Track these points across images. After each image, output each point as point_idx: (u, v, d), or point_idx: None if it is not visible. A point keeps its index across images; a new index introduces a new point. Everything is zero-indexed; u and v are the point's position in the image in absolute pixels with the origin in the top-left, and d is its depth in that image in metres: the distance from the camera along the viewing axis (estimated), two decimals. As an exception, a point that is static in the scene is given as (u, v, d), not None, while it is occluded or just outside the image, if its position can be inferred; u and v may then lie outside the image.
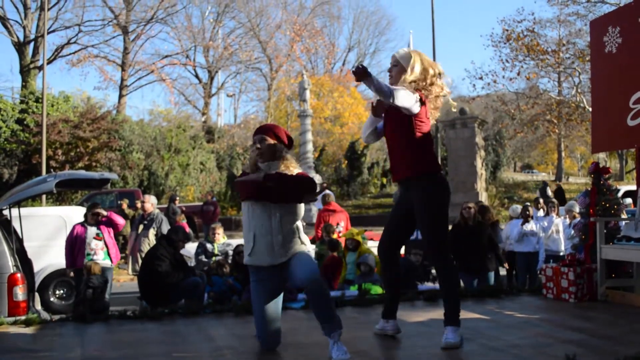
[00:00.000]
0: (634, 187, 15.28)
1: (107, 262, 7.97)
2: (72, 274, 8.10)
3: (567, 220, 8.99)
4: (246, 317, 5.46)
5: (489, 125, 31.46)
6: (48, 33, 28.13)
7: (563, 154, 40.12)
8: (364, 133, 4.67)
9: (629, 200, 10.35)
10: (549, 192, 24.02)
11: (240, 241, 9.78)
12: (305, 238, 4.28)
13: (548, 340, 4.28)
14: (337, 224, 10.05)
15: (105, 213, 8.08)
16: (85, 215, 8.15)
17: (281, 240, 4.05)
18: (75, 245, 7.87)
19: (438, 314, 5.23)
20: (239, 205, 28.88)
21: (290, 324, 4.06)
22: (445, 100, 4.54)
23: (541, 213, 9.63)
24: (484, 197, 23.50)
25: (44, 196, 17.77)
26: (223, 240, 9.08)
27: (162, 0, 34.35)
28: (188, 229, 10.86)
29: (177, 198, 18.35)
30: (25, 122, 23.69)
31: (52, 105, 24.87)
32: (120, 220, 8.23)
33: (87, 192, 19.18)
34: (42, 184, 6.83)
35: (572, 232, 7.50)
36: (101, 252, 7.91)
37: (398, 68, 4.40)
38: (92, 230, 7.92)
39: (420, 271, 8.00)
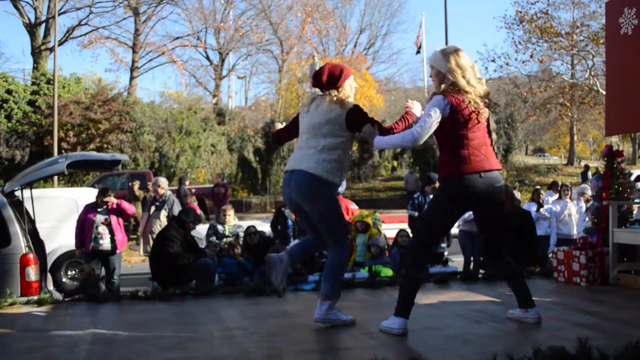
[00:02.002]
0: (646, 171, 15.16)
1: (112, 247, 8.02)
2: (79, 253, 8.21)
3: (583, 203, 8.94)
4: (257, 298, 5.49)
5: (501, 108, 31.21)
6: (59, 14, 28.07)
7: (575, 137, 39.84)
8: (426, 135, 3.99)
9: (640, 185, 10.24)
10: (590, 176, 23.89)
11: (250, 222, 9.84)
12: None
13: (560, 323, 4.27)
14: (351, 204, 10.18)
15: (115, 201, 8.09)
16: (97, 198, 8.18)
17: None
18: (85, 227, 7.93)
19: (448, 296, 5.22)
20: (249, 188, 28.99)
21: (301, 305, 4.06)
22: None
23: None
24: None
25: (55, 177, 17.88)
26: (234, 222, 9.12)
27: (173, -18, 34.22)
28: (199, 211, 10.91)
29: (188, 179, 18.39)
30: (36, 104, 23.79)
31: (64, 87, 24.94)
32: (129, 209, 8.24)
33: (99, 173, 19.31)
34: (53, 165, 6.86)
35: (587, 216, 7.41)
36: (108, 236, 7.95)
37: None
38: (101, 216, 7.96)
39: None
